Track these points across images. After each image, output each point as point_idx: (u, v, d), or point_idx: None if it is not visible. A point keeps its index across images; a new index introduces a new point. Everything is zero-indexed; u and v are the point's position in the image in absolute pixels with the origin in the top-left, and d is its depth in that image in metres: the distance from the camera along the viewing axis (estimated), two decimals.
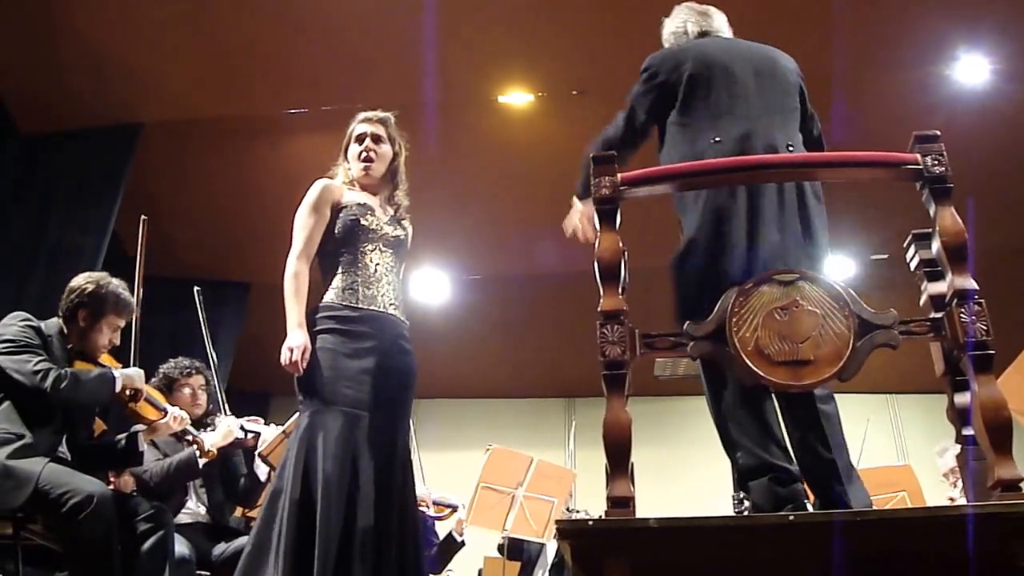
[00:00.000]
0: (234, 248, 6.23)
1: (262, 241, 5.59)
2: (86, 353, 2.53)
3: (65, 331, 2.52)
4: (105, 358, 2.59)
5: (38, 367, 2.31)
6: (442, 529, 4.64)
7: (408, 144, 2.63)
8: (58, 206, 4.91)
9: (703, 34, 2.26)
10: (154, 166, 5.34)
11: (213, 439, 3.02)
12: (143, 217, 3.12)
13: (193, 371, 3.26)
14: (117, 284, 2.60)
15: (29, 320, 2.45)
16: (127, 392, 2.52)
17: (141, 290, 2.85)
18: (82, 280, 2.57)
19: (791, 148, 2.00)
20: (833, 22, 4.40)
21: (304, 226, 2.40)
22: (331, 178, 2.53)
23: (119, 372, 2.51)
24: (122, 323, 2.60)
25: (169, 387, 3.16)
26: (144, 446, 2.64)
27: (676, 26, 2.32)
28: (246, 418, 3.29)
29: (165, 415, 2.67)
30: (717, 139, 1.98)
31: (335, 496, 2.10)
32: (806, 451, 1.82)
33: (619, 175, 1.59)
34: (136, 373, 2.56)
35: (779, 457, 1.80)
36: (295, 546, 2.06)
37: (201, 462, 2.93)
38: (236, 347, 6.26)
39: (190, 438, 2.88)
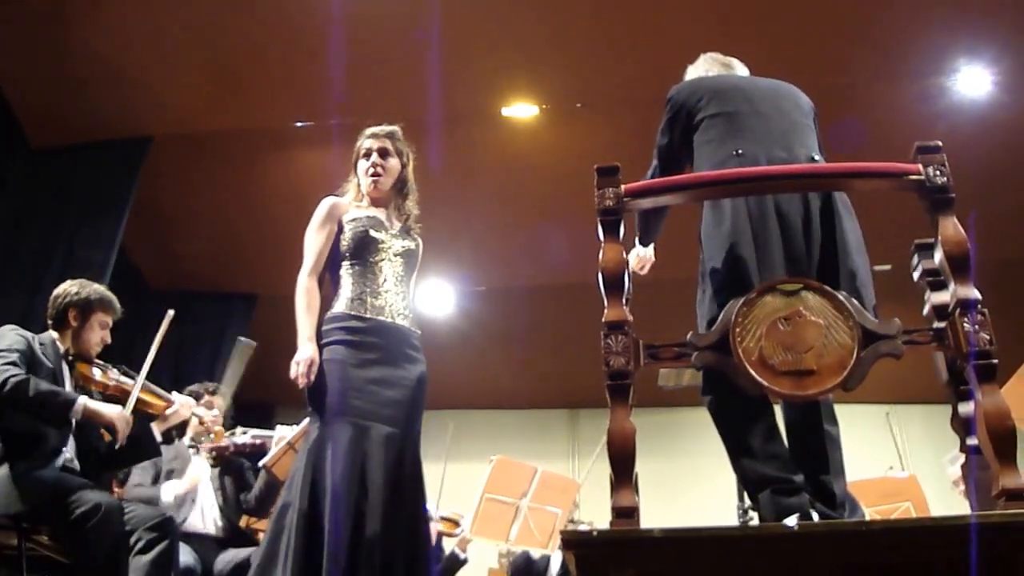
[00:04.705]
0: (241, 260, 6.26)
1: (269, 253, 5.63)
2: (81, 354, 2.56)
3: (58, 338, 2.55)
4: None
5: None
6: (446, 545, 4.62)
7: (415, 155, 2.67)
8: (68, 219, 4.94)
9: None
10: (163, 179, 5.37)
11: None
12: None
13: (218, 392, 3.39)
14: (100, 285, 2.66)
15: (16, 329, 2.47)
16: (98, 421, 2.44)
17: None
18: (65, 285, 2.62)
19: (816, 159, 2.01)
20: (837, 34, 4.43)
21: (313, 243, 2.45)
22: (341, 195, 2.58)
23: (84, 401, 2.38)
24: (110, 320, 2.63)
25: None
26: (159, 436, 2.66)
27: (697, 74, 2.36)
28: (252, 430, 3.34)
29: (172, 404, 2.70)
30: (739, 151, 1.98)
31: (343, 507, 2.11)
32: (806, 473, 1.82)
33: (622, 186, 1.61)
34: (111, 414, 2.43)
35: (781, 469, 1.80)
36: (303, 557, 2.07)
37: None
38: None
39: (197, 421, 2.97)
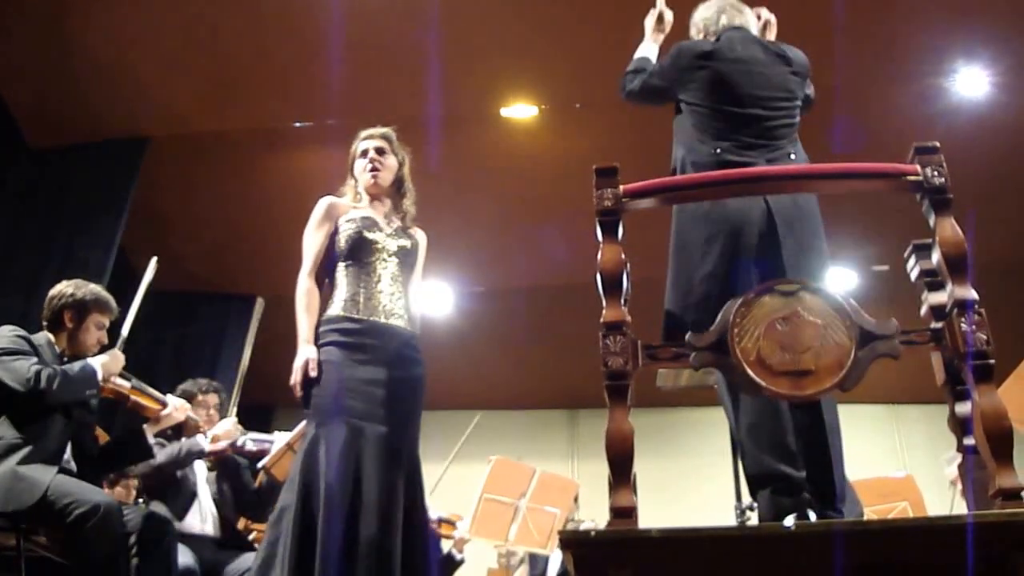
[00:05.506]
0: (240, 261, 6.25)
1: (268, 254, 5.62)
2: (78, 355, 2.55)
3: (53, 339, 2.55)
4: None
5: (31, 372, 2.32)
6: (443, 546, 4.61)
7: (411, 156, 2.68)
8: (66, 220, 4.93)
9: (731, 28, 2.30)
10: (161, 179, 5.37)
11: (214, 431, 3.07)
12: None
13: (211, 390, 3.35)
14: (95, 286, 2.65)
15: (16, 330, 2.47)
16: (112, 379, 2.53)
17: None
18: (61, 286, 2.61)
19: (793, 158, 2.03)
20: (835, 35, 4.43)
21: (310, 244, 2.47)
22: (338, 196, 2.58)
23: (96, 361, 2.50)
24: (106, 321, 2.63)
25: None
26: (151, 439, 2.66)
27: (709, 13, 2.36)
28: (253, 433, 3.33)
29: (166, 406, 2.70)
30: (718, 150, 2.01)
31: (337, 508, 2.11)
32: (807, 461, 1.83)
33: (621, 187, 1.61)
34: (110, 358, 2.53)
35: (785, 466, 1.80)
36: (298, 558, 2.07)
37: (206, 447, 2.97)
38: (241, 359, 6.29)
39: (193, 424, 2.95)
